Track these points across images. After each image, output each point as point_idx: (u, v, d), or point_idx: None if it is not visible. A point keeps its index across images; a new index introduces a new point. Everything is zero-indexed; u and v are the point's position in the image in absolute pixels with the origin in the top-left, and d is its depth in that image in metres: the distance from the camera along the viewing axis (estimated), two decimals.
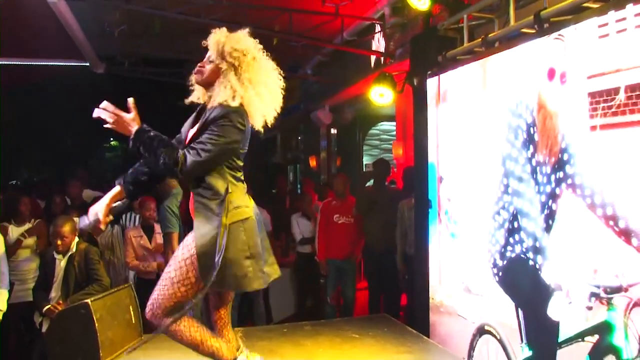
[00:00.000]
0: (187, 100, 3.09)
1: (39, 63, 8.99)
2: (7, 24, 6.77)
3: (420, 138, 5.19)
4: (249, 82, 2.88)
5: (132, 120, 2.81)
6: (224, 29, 2.98)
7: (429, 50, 5.14)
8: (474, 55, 4.52)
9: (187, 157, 2.75)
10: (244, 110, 2.87)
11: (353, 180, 7.97)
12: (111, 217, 3.11)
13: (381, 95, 5.72)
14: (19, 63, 8.04)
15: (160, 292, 2.92)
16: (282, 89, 3.04)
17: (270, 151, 16.88)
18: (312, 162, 12.72)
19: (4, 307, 4.94)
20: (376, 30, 8.58)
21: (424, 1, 5.19)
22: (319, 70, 11.57)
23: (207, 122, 2.83)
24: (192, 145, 2.81)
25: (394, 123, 10.13)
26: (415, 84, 5.32)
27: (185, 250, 2.91)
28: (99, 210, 3.01)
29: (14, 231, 5.66)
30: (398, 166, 8.53)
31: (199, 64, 2.97)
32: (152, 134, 2.80)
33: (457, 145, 4.60)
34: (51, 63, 9.63)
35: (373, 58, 8.74)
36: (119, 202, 3.05)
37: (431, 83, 5.00)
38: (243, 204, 2.93)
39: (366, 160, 11.99)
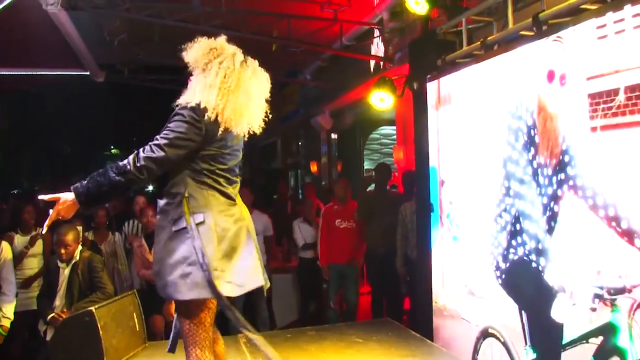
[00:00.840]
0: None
1: (38, 73, 9.01)
2: (7, 34, 6.80)
3: (421, 142, 5.19)
4: (223, 86, 2.76)
5: (65, 198, 2.67)
6: (204, 39, 2.90)
7: (428, 54, 5.15)
8: (473, 58, 4.53)
9: (139, 154, 2.66)
10: (205, 109, 2.71)
11: (354, 185, 7.97)
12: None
13: (381, 100, 5.73)
14: (19, 73, 8.06)
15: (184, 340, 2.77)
16: (269, 96, 2.98)
17: (270, 157, 16.89)
18: (313, 167, 12.72)
19: (12, 316, 4.95)
20: (375, 35, 8.60)
21: (422, 5, 5.20)
22: (318, 76, 11.59)
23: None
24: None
25: (394, 127, 10.14)
26: (415, 87, 5.34)
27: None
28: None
29: (20, 240, 5.68)
30: (399, 170, 8.54)
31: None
32: (85, 180, 2.68)
33: (458, 148, 4.61)
34: (51, 72, 9.64)
35: (372, 62, 8.76)
36: None
37: (431, 87, 5.01)
38: (206, 209, 2.75)
39: (367, 164, 11.99)
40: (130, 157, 2.65)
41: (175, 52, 2.94)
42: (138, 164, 2.64)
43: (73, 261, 4.77)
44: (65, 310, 4.66)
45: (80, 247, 4.88)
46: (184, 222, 2.70)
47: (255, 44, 8.69)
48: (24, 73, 8.09)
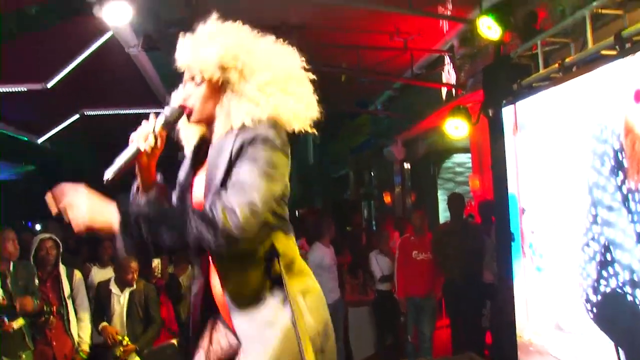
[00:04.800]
0: (186, 152, 2.11)
1: (119, 112, 9.41)
2: (92, 75, 7.14)
3: (498, 169, 5.04)
4: (265, 83, 1.92)
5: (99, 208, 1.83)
6: (200, 28, 1.99)
7: (502, 79, 5.03)
8: (551, 81, 4.38)
9: (227, 212, 1.70)
10: (276, 121, 1.88)
11: (429, 215, 7.83)
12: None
13: (456, 128, 5.63)
14: (102, 113, 8.44)
15: None
16: (308, 77, 2.07)
17: (342, 188, 16.90)
18: (387, 198, 12.61)
19: (89, 340, 5.08)
20: (446, 62, 8.50)
21: (494, 30, 5.09)
22: (389, 105, 11.55)
23: (233, 156, 1.83)
24: (221, 193, 1.77)
25: (469, 155, 9.93)
26: (490, 114, 5.21)
27: None
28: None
29: (97, 273, 5.83)
30: (475, 199, 8.33)
31: (182, 98, 1.98)
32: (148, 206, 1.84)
33: (539, 175, 4.44)
34: (130, 111, 10.06)
35: (444, 90, 8.65)
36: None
37: (507, 112, 4.87)
38: (305, 268, 2.00)
39: (441, 194, 11.78)
40: (214, 212, 1.71)
41: None
42: (234, 230, 1.69)
43: (130, 289, 4.91)
44: (129, 343, 4.78)
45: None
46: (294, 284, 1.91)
47: (325, 75, 8.79)
48: (107, 113, 8.43)
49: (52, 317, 4.81)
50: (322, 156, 17.57)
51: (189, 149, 2.08)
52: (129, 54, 6.78)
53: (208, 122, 1.99)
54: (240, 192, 1.72)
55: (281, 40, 2.07)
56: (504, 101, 4.90)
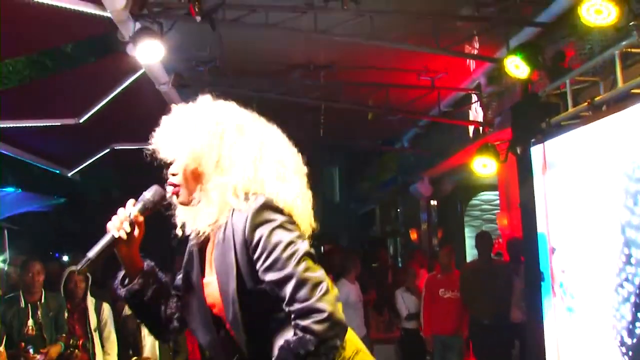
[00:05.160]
0: (195, 241, 1.86)
1: (148, 147, 9.54)
2: (124, 111, 7.29)
3: (527, 208, 5.00)
4: (256, 158, 1.77)
5: None
6: (177, 109, 1.88)
7: (531, 118, 5.04)
8: (580, 120, 4.36)
9: (318, 325, 1.54)
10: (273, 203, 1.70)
11: (456, 253, 7.74)
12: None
13: (484, 166, 5.61)
14: (131, 147, 8.56)
15: None
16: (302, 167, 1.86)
17: (369, 224, 16.83)
18: (413, 235, 12.53)
19: None
20: (473, 100, 8.51)
21: (522, 69, 5.09)
22: (416, 143, 11.55)
23: (240, 262, 1.68)
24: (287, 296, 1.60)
25: (496, 193, 9.85)
26: (518, 152, 5.19)
27: None
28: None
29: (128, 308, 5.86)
30: (503, 237, 8.23)
31: (169, 181, 1.82)
32: None
33: (569, 214, 4.38)
34: None
35: (471, 128, 8.64)
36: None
37: (536, 151, 4.85)
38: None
39: (468, 231, 11.67)
40: (311, 336, 1.54)
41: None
42: (326, 338, 1.55)
43: None
44: None
45: None
46: None
47: (352, 114, 8.85)
48: (136, 147, 8.57)
49: (77, 350, 4.82)
50: (349, 193, 17.57)
51: (188, 233, 1.84)
52: (160, 91, 6.93)
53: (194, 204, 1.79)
54: (305, 302, 1.57)
55: (274, 127, 1.89)
56: (533, 140, 4.88)
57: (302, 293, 1.57)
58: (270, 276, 1.62)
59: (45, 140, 8.65)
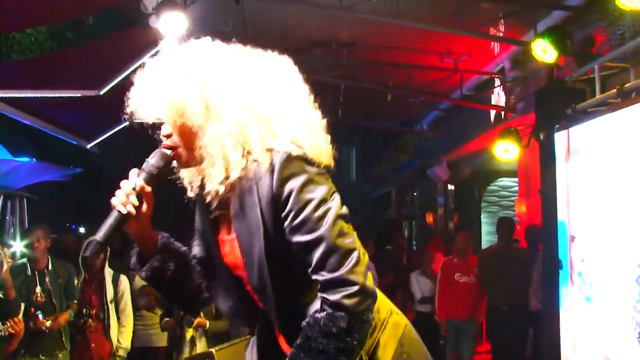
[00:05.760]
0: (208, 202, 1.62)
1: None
2: None
3: (548, 195, 4.93)
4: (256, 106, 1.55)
5: None
6: (148, 62, 1.62)
7: (556, 103, 4.93)
8: (607, 107, 4.27)
9: (346, 300, 1.42)
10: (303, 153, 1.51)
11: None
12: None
13: (506, 151, 5.53)
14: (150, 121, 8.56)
15: None
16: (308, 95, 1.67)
17: (384, 207, 16.79)
18: (429, 219, 12.48)
19: (129, 346, 5.16)
20: (496, 85, 8.40)
21: (550, 53, 4.98)
22: (435, 126, 11.46)
23: (268, 222, 1.51)
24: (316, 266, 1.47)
25: (515, 179, 9.75)
26: (541, 138, 5.10)
27: None
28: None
29: (140, 280, 5.88)
30: (521, 224, 8.15)
31: (163, 144, 1.61)
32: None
33: (591, 202, 4.31)
34: None
35: (492, 112, 8.53)
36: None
37: (559, 137, 4.76)
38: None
39: (484, 217, 11.60)
40: (339, 311, 1.42)
41: None
42: (362, 309, 1.44)
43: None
44: None
45: None
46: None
47: (371, 95, 8.77)
48: (156, 121, 8.56)
49: (90, 320, 4.88)
50: (365, 174, 17.52)
51: (196, 193, 1.67)
52: None
53: (199, 162, 1.58)
54: (333, 272, 1.43)
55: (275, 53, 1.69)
56: (557, 126, 4.80)
57: (331, 262, 1.43)
58: (298, 237, 1.47)
59: (64, 111, 8.68)
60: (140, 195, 1.56)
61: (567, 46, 4.85)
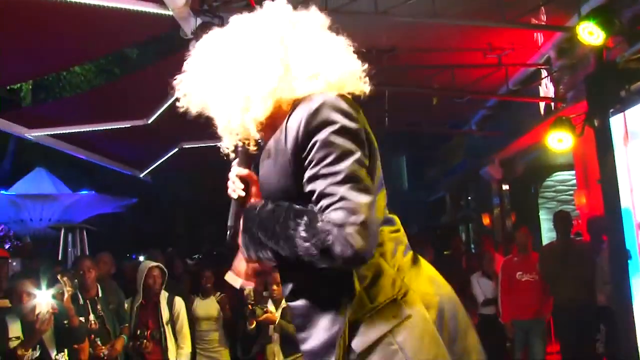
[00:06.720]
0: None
1: (216, 144, 9.66)
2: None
3: (609, 183, 4.74)
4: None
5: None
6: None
7: (608, 87, 4.76)
8: None
9: (345, 222, 1.45)
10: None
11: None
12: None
13: (560, 141, 5.36)
14: (200, 145, 8.66)
15: None
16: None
17: (439, 212, 16.57)
18: (485, 220, 12.22)
19: None
20: (543, 76, 8.17)
21: (597, 35, 4.80)
22: (484, 124, 11.23)
23: (291, 159, 1.58)
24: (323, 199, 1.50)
25: (571, 172, 9.48)
26: (596, 124, 4.92)
27: None
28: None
29: (199, 304, 5.90)
30: (582, 216, 7.88)
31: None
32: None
33: None
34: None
35: (542, 105, 8.30)
36: None
37: (615, 121, 4.59)
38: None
39: (543, 213, 11.28)
40: (325, 224, 1.47)
41: None
42: (358, 247, 1.45)
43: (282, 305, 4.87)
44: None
45: None
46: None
47: (416, 100, 8.66)
48: (205, 145, 8.66)
49: (146, 341, 4.93)
50: (417, 181, 17.34)
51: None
52: None
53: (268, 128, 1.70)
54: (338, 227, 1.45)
55: None
56: (612, 110, 4.62)
57: (337, 215, 1.46)
58: (312, 186, 1.53)
59: (116, 142, 8.89)
60: (242, 179, 1.75)
61: (616, 25, 4.68)
